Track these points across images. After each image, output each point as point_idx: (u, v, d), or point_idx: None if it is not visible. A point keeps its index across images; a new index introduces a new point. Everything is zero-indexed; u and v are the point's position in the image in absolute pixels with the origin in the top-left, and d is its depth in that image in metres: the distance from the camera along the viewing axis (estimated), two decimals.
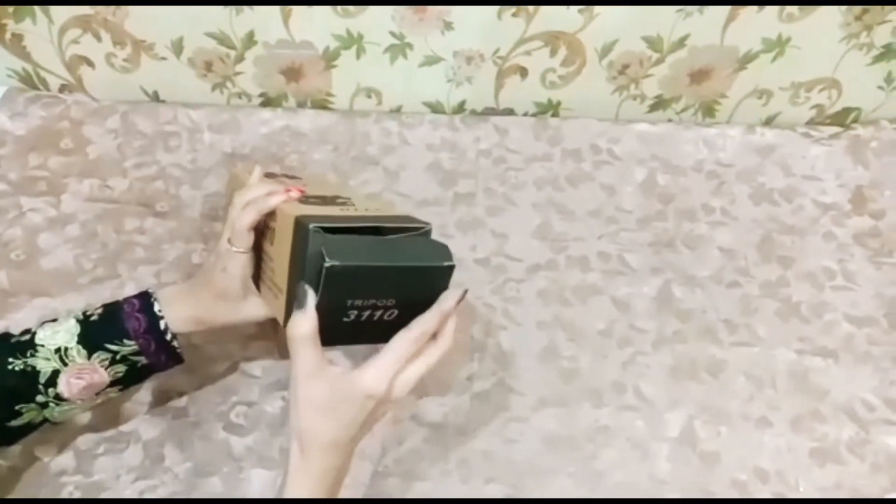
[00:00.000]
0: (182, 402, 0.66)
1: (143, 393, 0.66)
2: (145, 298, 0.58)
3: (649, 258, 0.78)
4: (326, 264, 0.45)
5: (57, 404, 0.55)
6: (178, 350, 0.58)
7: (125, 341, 0.55)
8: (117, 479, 0.61)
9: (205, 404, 0.66)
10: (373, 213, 0.54)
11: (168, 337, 0.57)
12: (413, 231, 0.52)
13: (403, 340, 0.49)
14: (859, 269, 0.78)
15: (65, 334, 0.55)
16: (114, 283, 0.72)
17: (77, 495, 0.61)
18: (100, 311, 0.57)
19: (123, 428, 0.64)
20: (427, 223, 0.53)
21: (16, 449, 0.61)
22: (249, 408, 0.66)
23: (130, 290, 0.72)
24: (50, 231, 0.76)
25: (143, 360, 0.57)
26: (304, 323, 0.47)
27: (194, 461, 0.63)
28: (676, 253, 0.78)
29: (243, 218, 0.54)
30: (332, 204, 0.55)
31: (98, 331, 0.56)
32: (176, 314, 0.57)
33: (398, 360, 0.48)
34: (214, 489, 0.62)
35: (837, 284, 0.76)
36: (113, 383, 0.56)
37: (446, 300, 0.50)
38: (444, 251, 0.51)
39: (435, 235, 0.53)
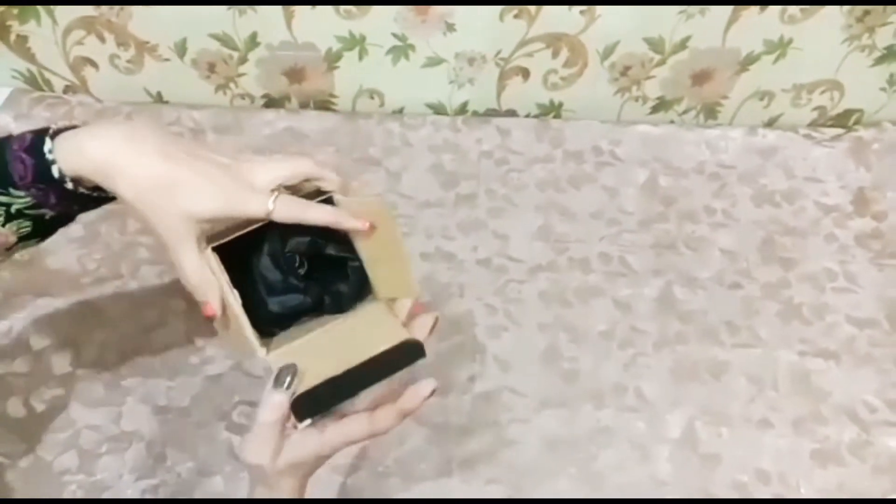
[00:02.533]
0: (185, 401, 0.66)
1: (146, 393, 0.66)
2: (41, 133, 0.43)
3: (651, 260, 0.78)
4: (300, 425, 0.46)
5: None
6: (95, 195, 0.45)
7: (12, 192, 0.43)
8: (120, 478, 0.62)
9: (207, 404, 0.66)
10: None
11: (70, 186, 0.43)
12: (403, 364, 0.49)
13: (362, 429, 0.47)
14: (861, 271, 0.77)
15: None
16: (116, 283, 0.73)
17: (80, 494, 0.61)
18: None
19: (126, 427, 0.64)
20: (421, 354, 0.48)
21: (19, 448, 0.62)
22: (251, 407, 0.66)
23: (133, 290, 0.72)
24: None
25: (47, 212, 0.45)
26: (278, 411, 0.44)
27: (196, 461, 0.63)
28: (678, 254, 0.78)
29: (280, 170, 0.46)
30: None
31: None
32: (96, 154, 0.42)
33: (348, 442, 0.47)
34: (216, 489, 0.62)
35: (839, 286, 0.76)
36: (25, 237, 0.46)
37: (411, 400, 0.47)
38: (413, 349, 0.47)
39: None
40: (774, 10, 0.78)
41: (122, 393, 0.66)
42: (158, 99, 0.89)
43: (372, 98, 0.89)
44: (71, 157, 0.43)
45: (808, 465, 0.65)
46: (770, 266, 0.78)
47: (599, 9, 0.78)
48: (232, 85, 0.87)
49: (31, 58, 0.85)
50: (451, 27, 0.80)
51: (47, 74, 0.87)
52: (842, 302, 0.75)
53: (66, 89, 0.88)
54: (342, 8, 0.78)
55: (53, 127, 0.44)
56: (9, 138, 0.44)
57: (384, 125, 0.88)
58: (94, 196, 0.46)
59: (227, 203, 0.44)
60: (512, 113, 0.91)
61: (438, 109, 0.90)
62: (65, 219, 0.48)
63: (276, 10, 0.78)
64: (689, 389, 0.69)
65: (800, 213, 0.82)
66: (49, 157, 0.42)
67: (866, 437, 0.67)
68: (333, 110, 0.90)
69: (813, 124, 0.91)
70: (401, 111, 0.90)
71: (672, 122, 0.91)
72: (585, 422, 0.67)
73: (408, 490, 0.63)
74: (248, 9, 0.78)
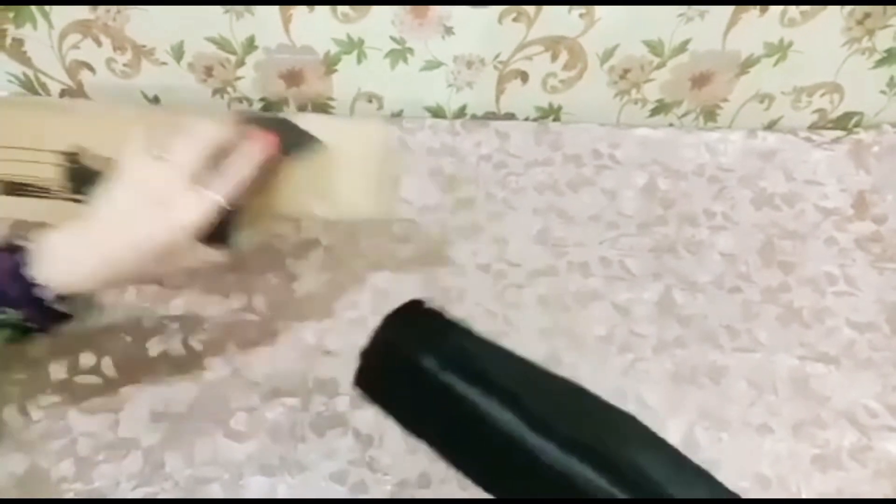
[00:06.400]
0: (182, 408, 0.65)
1: (143, 399, 0.66)
2: (15, 255, 0.47)
3: (650, 263, 0.77)
4: None
5: None
6: (70, 314, 0.50)
7: (3, 308, 0.47)
8: (117, 486, 0.61)
9: (205, 411, 0.66)
10: None
11: (54, 305, 0.48)
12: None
13: None
14: (861, 275, 0.77)
15: None
16: (113, 289, 0.72)
17: None
18: None
19: (123, 435, 0.64)
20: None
21: (15, 456, 0.61)
22: (250, 414, 0.66)
23: (129, 295, 0.72)
24: None
25: (33, 325, 0.49)
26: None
27: (194, 468, 0.63)
28: (677, 258, 0.78)
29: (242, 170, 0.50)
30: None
31: None
32: (74, 271, 0.47)
33: None
34: (214, 496, 0.61)
35: (839, 290, 0.76)
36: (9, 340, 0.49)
37: None
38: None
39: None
40: (774, 12, 0.77)
41: (119, 400, 0.65)
42: (155, 102, 0.89)
43: (370, 101, 0.89)
44: (74, 272, 0.48)
45: (808, 470, 0.65)
46: (770, 269, 0.77)
47: (599, 12, 0.77)
48: (229, 88, 0.87)
49: (26, 61, 0.84)
50: (449, 30, 0.80)
51: (43, 78, 0.86)
52: (842, 306, 0.75)
53: (63, 93, 0.88)
54: (339, 11, 0.78)
55: (21, 241, 0.48)
56: None
57: None
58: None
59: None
60: (511, 116, 0.90)
61: (437, 113, 0.90)
62: (49, 329, 0.51)
63: (274, 14, 0.78)
64: (689, 394, 0.69)
65: (800, 217, 0.82)
66: (31, 281, 0.47)
67: (867, 442, 0.66)
68: (331, 114, 0.90)
69: (813, 127, 0.91)
70: (399, 114, 0.90)
71: (671, 125, 0.91)
72: None
73: (404, 496, 0.62)
74: (245, 12, 0.78)
